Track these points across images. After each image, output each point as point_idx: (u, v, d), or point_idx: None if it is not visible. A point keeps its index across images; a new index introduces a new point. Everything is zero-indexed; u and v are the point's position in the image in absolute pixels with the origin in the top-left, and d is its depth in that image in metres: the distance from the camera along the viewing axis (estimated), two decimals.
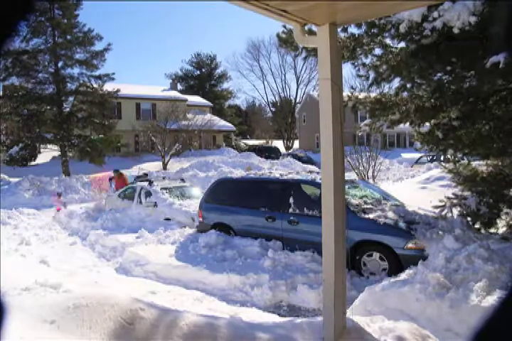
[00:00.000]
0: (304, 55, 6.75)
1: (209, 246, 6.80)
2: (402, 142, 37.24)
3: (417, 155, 22.91)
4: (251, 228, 7.08)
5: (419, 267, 4.26)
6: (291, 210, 6.58)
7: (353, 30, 5.94)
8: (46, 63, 21.79)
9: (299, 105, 46.31)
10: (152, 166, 24.07)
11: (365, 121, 7.01)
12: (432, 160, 19.07)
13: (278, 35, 7.24)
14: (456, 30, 4.43)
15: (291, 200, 6.64)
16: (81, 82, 22.34)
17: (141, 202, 10.36)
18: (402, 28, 4.96)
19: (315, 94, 36.62)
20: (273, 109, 53.31)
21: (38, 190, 15.99)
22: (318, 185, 6.10)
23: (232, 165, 20.67)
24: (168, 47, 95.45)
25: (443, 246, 4.47)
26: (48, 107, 21.81)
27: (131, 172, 19.10)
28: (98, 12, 69.39)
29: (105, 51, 22.73)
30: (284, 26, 6.72)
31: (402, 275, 4.53)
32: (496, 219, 5.64)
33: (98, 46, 23.05)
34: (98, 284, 4.80)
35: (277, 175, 7.53)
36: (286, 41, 6.94)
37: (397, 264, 5.41)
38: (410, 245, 5.41)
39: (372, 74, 6.04)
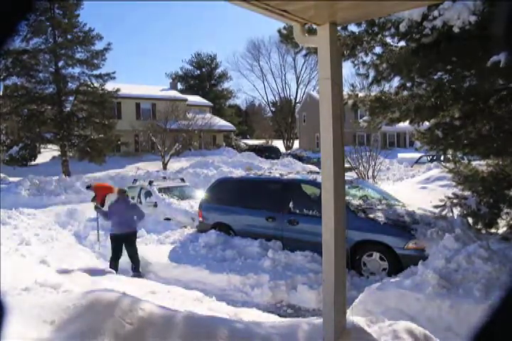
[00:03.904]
0: (304, 52, 6.76)
1: (209, 246, 6.80)
2: (402, 142, 37.23)
3: (415, 155, 22.88)
4: (251, 228, 7.08)
5: (419, 267, 4.26)
6: (291, 210, 6.58)
7: (353, 28, 5.95)
8: (46, 63, 21.80)
9: (299, 105, 46.32)
10: (152, 166, 24.06)
11: (364, 118, 7.01)
12: (432, 160, 19.06)
13: (279, 32, 7.29)
14: (456, 30, 4.42)
15: (291, 200, 6.64)
16: (81, 81, 22.35)
17: (141, 202, 10.36)
18: (402, 27, 4.97)
19: (315, 94, 36.63)
20: (273, 109, 53.32)
21: (38, 190, 15.99)
22: (318, 185, 6.10)
23: (232, 165, 20.66)
24: (168, 47, 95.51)
25: (443, 246, 4.47)
26: (49, 107, 21.82)
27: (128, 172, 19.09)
28: (98, 12, 69.42)
29: (105, 51, 22.75)
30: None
31: (402, 276, 4.54)
32: (496, 219, 5.64)
33: (98, 46, 23.07)
34: (98, 284, 4.81)
35: (277, 175, 7.52)
36: (287, 37, 6.96)
37: (397, 264, 5.41)
38: (410, 245, 5.41)
39: (372, 73, 6.04)
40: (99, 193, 9.77)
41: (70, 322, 2.77)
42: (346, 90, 6.66)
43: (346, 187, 5.15)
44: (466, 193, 5.99)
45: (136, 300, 3.11)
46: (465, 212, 5.74)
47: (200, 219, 8.03)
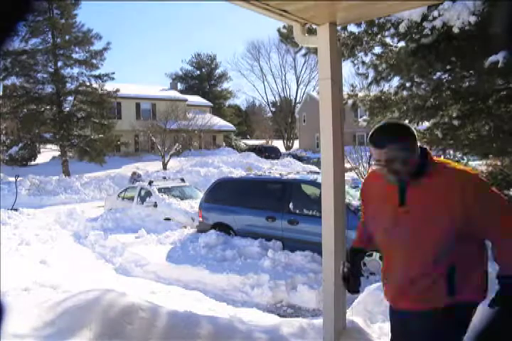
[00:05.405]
0: (303, 51, 6.77)
1: (209, 246, 6.80)
2: None
3: None
4: (251, 228, 7.08)
5: None
6: (291, 210, 6.58)
7: (352, 28, 5.95)
8: (45, 63, 21.79)
9: (299, 105, 46.33)
10: (152, 166, 24.07)
11: (364, 117, 7.01)
12: None
13: (279, 31, 7.29)
14: (456, 30, 4.43)
15: (291, 200, 6.64)
16: (80, 81, 22.34)
17: (141, 202, 10.37)
18: (402, 28, 4.97)
19: (315, 94, 36.63)
20: (273, 109, 53.34)
21: (38, 190, 16.00)
22: (318, 185, 6.10)
23: (232, 165, 20.67)
24: (168, 47, 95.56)
25: None
26: (48, 107, 21.82)
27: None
28: (98, 12, 69.42)
29: (104, 50, 22.74)
30: None
31: None
32: None
33: (97, 46, 23.04)
34: (98, 284, 4.80)
35: (277, 175, 7.52)
36: (287, 37, 6.96)
37: None
38: None
39: (371, 73, 6.05)
40: None
41: (70, 322, 2.77)
42: (346, 90, 6.67)
43: (346, 187, 5.15)
44: None
45: (136, 300, 3.11)
46: None
47: (200, 219, 8.02)
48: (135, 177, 15.23)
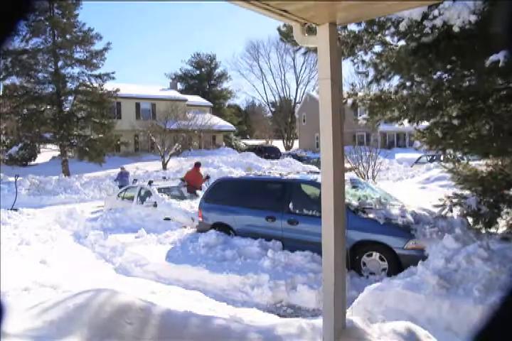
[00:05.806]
0: (303, 50, 6.76)
1: (209, 246, 6.80)
2: (402, 142, 37.23)
3: (414, 155, 22.83)
4: (251, 228, 7.08)
5: (419, 267, 4.26)
6: (291, 210, 6.58)
7: (352, 27, 5.94)
8: (46, 63, 21.80)
9: (298, 105, 46.34)
10: (151, 166, 24.07)
11: (363, 115, 6.98)
12: (431, 160, 19.07)
13: (279, 30, 7.26)
14: (456, 29, 4.42)
15: (291, 200, 6.64)
16: (81, 81, 22.35)
17: (141, 202, 10.37)
18: (402, 26, 4.96)
19: (315, 94, 36.62)
20: (273, 109, 53.34)
21: (38, 190, 16.00)
22: (318, 185, 6.09)
23: (232, 165, 20.68)
24: (168, 47, 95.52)
25: (443, 246, 4.47)
26: (48, 107, 21.82)
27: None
28: (98, 12, 69.38)
29: (105, 50, 22.75)
30: None
31: (402, 275, 4.54)
32: (496, 218, 5.64)
33: (98, 45, 23.06)
34: (98, 284, 4.80)
35: (277, 175, 7.52)
36: (286, 36, 6.94)
37: (396, 264, 5.40)
38: (410, 245, 5.41)
39: (371, 72, 6.04)
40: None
41: (70, 322, 2.77)
42: (346, 89, 6.66)
43: (346, 187, 5.14)
44: (466, 193, 5.98)
45: (136, 300, 3.11)
46: (465, 212, 5.73)
47: (200, 219, 8.02)
48: (123, 173, 15.08)
